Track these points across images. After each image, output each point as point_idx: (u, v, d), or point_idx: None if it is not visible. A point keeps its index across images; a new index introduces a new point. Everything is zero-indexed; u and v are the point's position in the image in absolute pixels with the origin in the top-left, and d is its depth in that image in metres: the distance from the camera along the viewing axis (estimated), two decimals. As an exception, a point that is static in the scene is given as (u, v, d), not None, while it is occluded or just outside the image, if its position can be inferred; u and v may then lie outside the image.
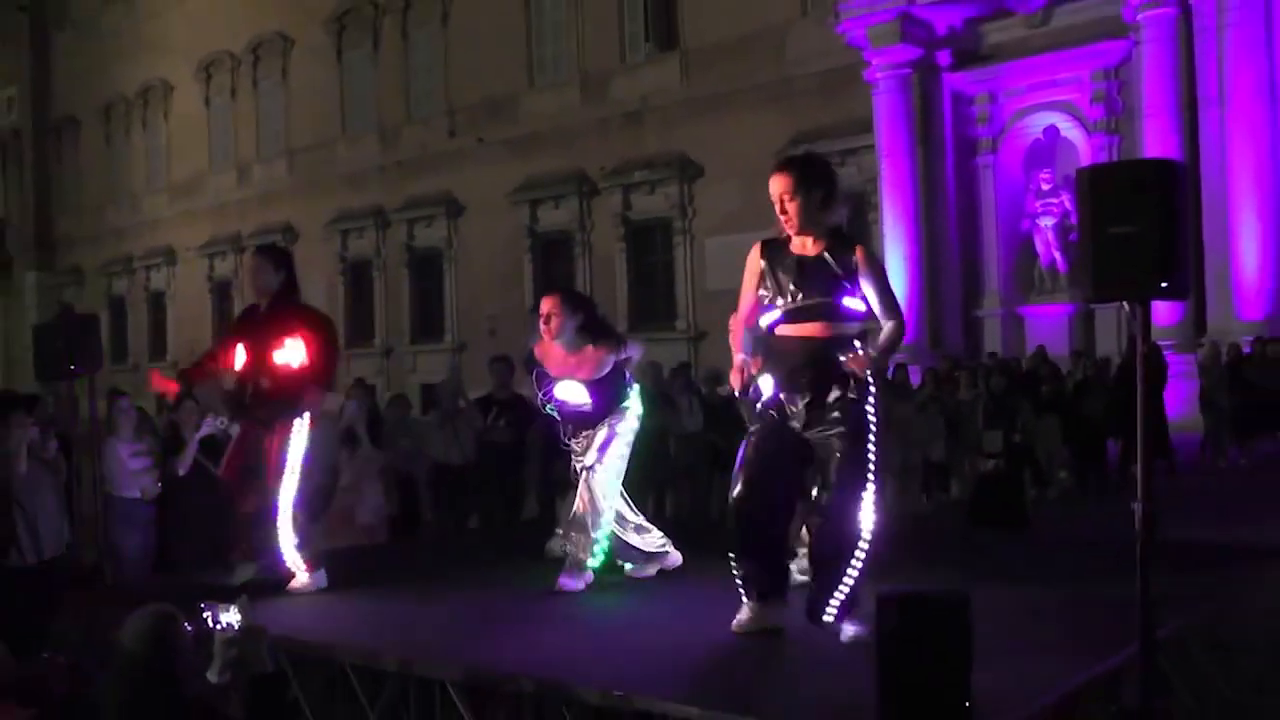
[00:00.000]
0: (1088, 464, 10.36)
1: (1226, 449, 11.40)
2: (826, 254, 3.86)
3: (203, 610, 2.93)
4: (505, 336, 17.32)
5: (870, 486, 3.85)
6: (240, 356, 5.18)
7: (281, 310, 5.19)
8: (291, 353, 5.09)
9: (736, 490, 3.94)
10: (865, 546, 3.82)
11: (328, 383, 5.29)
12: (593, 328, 5.10)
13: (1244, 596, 4.68)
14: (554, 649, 4.01)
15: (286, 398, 5.09)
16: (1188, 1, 13.95)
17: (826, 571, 3.87)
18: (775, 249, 3.95)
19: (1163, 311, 12.59)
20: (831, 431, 3.84)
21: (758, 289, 3.98)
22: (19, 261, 32.15)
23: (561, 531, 5.29)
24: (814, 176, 3.90)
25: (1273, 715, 4.20)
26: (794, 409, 3.90)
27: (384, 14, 23.02)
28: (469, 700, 3.67)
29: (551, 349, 5.09)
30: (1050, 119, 15.56)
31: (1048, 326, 15.33)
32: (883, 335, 3.92)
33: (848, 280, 3.84)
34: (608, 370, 5.06)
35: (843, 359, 3.85)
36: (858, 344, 3.91)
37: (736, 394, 5.02)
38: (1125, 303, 3.58)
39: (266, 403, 5.12)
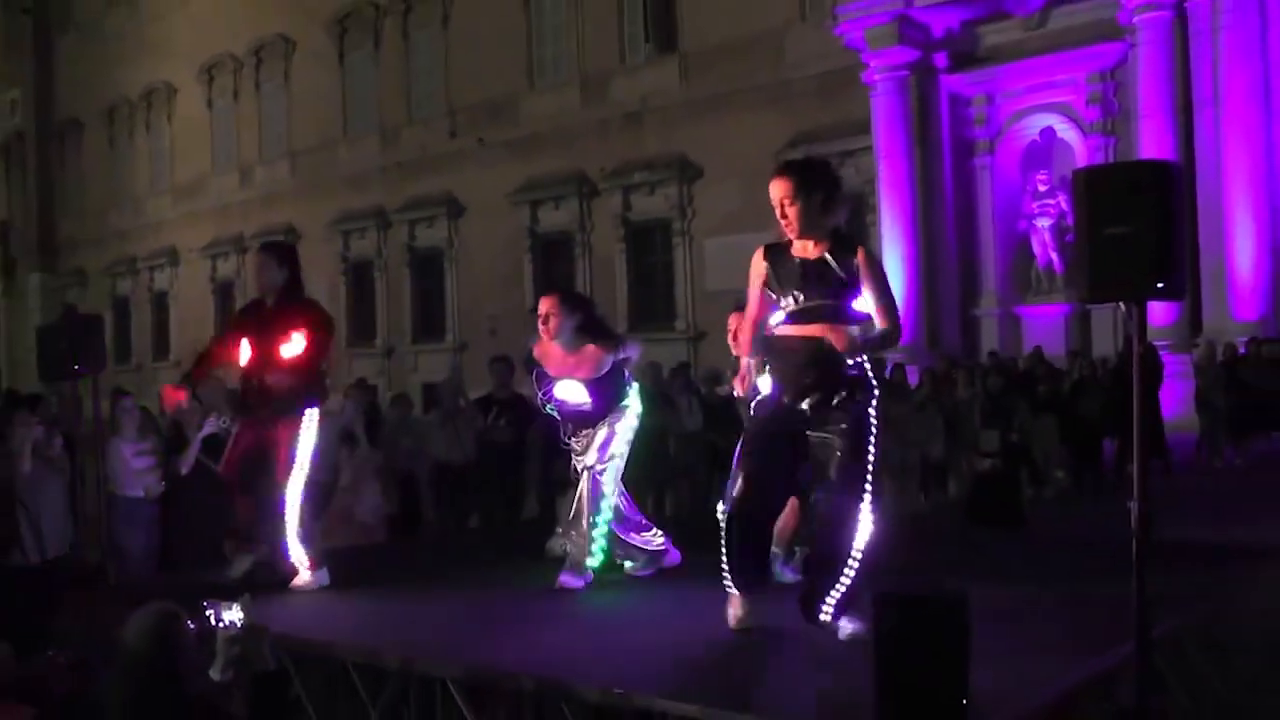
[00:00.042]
0: (1084, 463, 10.29)
1: (1222, 449, 11.36)
2: (828, 256, 3.85)
3: (205, 608, 2.94)
4: (506, 336, 17.37)
5: (869, 487, 3.86)
6: (245, 352, 5.17)
7: (288, 306, 5.19)
8: (298, 348, 5.09)
9: (737, 489, 3.94)
10: (863, 546, 3.84)
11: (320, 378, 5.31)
12: (591, 327, 5.13)
13: (1239, 596, 4.70)
14: (554, 647, 4.03)
15: (294, 392, 5.09)
16: (1183, 5, 13.99)
17: (825, 570, 3.88)
18: (777, 253, 3.95)
19: (1158, 312, 12.62)
20: (832, 432, 3.85)
21: (763, 292, 3.98)
22: (23, 263, 32.21)
23: (562, 530, 5.32)
24: (814, 180, 3.89)
25: (1269, 714, 4.21)
26: (795, 409, 3.89)
27: (385, 16, 23.09)
28: (469, 698, 3.68)
29: (550, 349, 5.11)
30: (1047, 121, 15.60)
31: (1044, 326, 15.37)
32: (874, 330, 3.91)
33: (850, 282, 3.84)
34: (607, 369, 5.08)
35: (850, 362, 3.86)
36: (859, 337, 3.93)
37: (736, 395, 5.06)
38: (1121, 303, 3.59)
39: (273, 397, 5.11)
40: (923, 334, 15.78)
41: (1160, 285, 3.35)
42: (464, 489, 8.74)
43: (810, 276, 3.84)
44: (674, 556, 5.27)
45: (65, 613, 4.57)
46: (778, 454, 3.95)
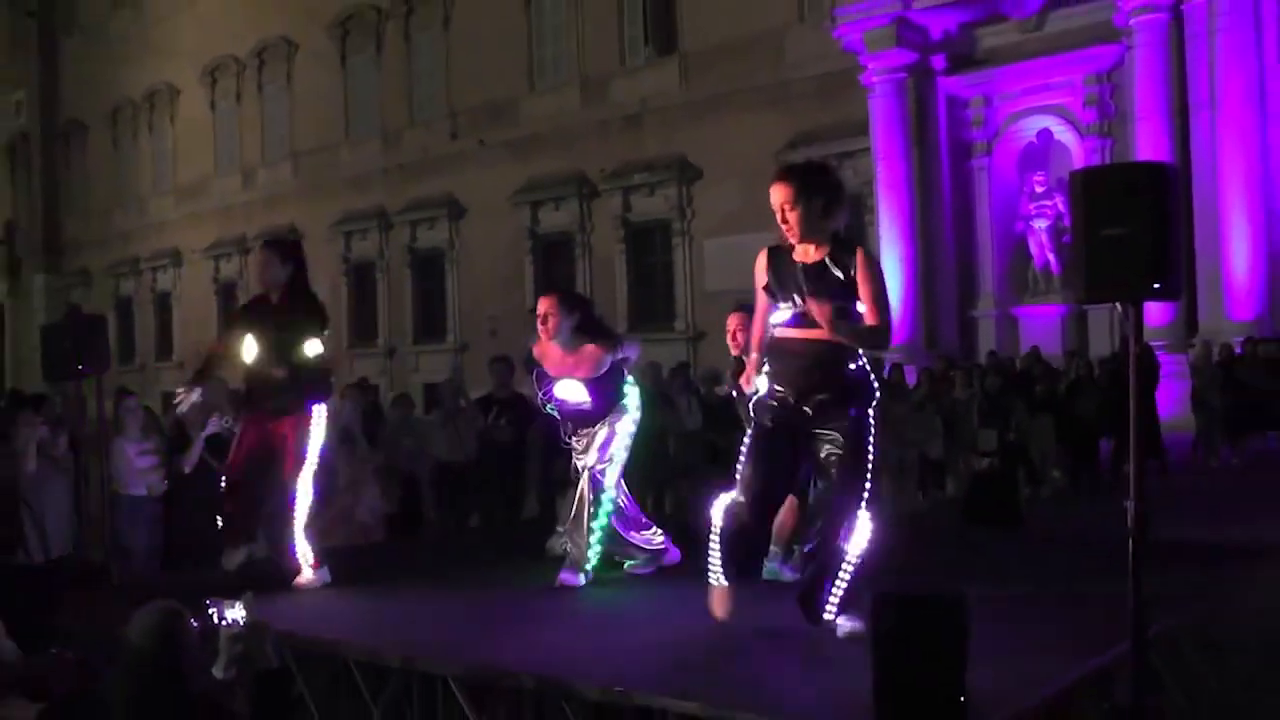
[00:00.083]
0: (1081, 463, 10.35)
1: (1218, 448, 11.40)
2: (828, 260, 3.86)
3: (209, 607, 2.96)
4: (506, 337, 17.44)
5: (868, 487, 3.89)
6: (250, 347, 5.16)
7: (294, 301, 5.20)
8: (306, 343, 5.10)
9: (738, 484, 3.95)
10: (863, 545, 3.87)
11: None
12: (589, 327, 5.15)
13: (1236, 596, 4.70)
14: (554, 645, 4.05)
15: (301, 387, 5.10)
16: (1179, 7, 14.04)
17: (825, 570, 3.91)
18: (779, 256, 3.96)
19: (1155, 312, 12.63)
20: (833, 433, 3.88)
21: (765, 294, 3.99)
22: (27, 263, 32.25)
23: (562, 529, 5.35)
24: (814, 185, 3.88)
25: (1265, 713, 4.21)
26: (797, 410, 3.90)
27: (387, 19, 23.15)
28: (471, 696, 3.69)
29: (550, 349, 5.14)
30: (1044, 122, 15.66)
31: (1041, 327, 15.41)
32: (863, 325, 3.88)
33: (849, 285, 3.84)
34: (606, 369, 5.11)
35: (851, 366, 3.88)
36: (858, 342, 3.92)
37: (735, 394, 5.09)
38: (1118, 303, 3.61)
39: (281, 392, 5.11)
40: (920, 334, 15.85)
41: (1156, 286, 3.36)
42: (465, 488, 8.79)
43: (811, 280, 3.85)
44: (674, 555, 5.30)
45: (69, 611, 4.62)
46: (779, 453, 3.95)
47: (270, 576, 5.07)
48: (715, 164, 18.33)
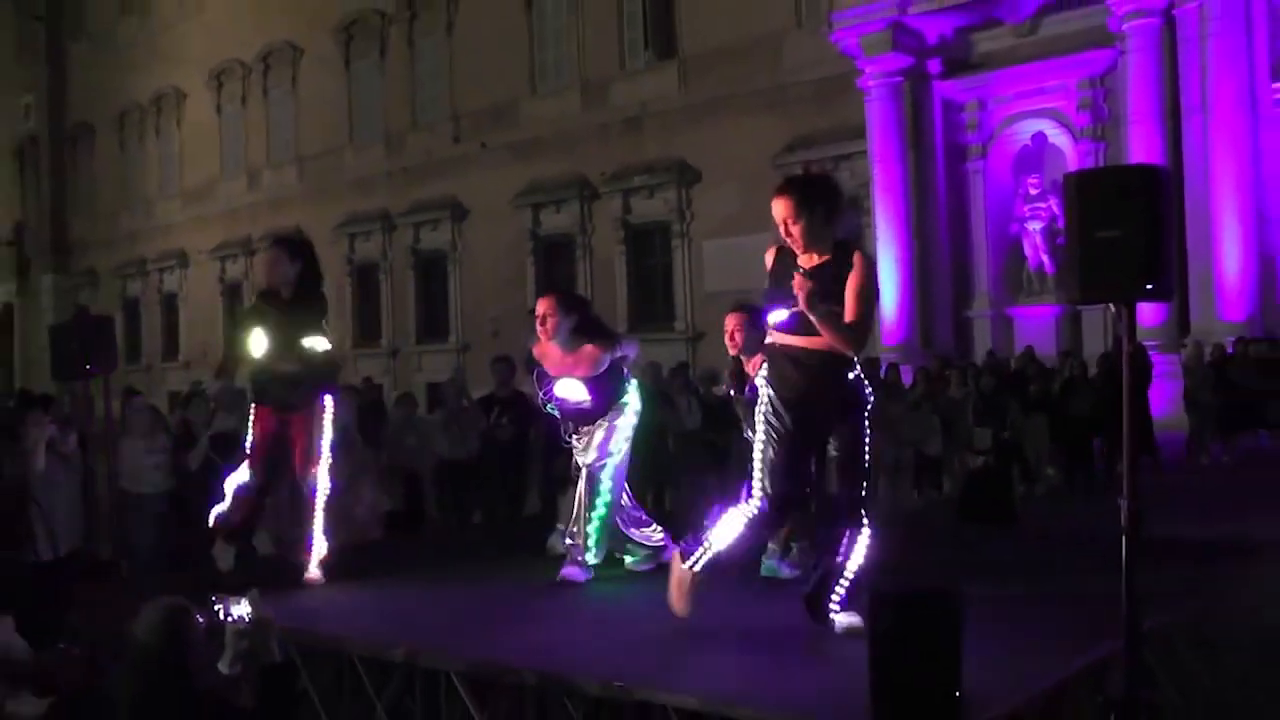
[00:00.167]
0: (1075, 462, 10.32)
1: (1210, 447, 11.42)
2: (830, 264, 3.90)
3: (214, 603, 2.97)
4: (508, 337, 17.46)
5: (866, 489, 4.01)
6: (260, 342, 5.16)
7: (303, 297, 5.23)
8: (316, 338, 5.15)
9: (771, 490, 3.90)
10: (864, 546, 3.95)
11: None
12: (588, 327, 5.21)
13: (1229, 593, 4.75)
14: (556, 642, 4.08)
15: (312, 383, 5.14)
16: (1171, 12, 14.15)
17: (831, 574, 3.98)
18: (786, 256, 4.00)
19: (1147, 313, 12.69)
20: (832, 438, 3.96)
21: (770, 290, 4.03)
22: (36, 264, 32.40)
23: (563, 527, 5.41)
24: (814, 196, 3.92)
25: (1258, 711, 4.23)
26: (796, 414, 3.93)
27: (390, 24, 23.27)
28: (473, 691, 3.72)
29: (549, 349, 5.19)
30: (1038, 126, 15.75)
31: (1036, 327, 15.50)
32: (841, 319, 3.86)
33: (844, 287, 3.86)
34: (605, 368, 5.17)
35: (849, 375, 3.94)
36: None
37: (733, 394, 5.21)
38: (1111, 304, 3.63)
39: (292, 388, 5.13)
40: (916, 334, 15.96)
41: (1149, 287, 3.39)
42: (467, 486, 8.85)
43: (807, 276, 3.88)
44: (673, 552, 5.37)
45: (77, 608, 4.68)
46: (805, 455, 3.99)
47: (275, 573, 5.13)
48: (714, 167, 18.42)
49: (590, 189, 20.25)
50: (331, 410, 5.25)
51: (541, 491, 8.71)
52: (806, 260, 3.93)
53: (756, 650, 3.89)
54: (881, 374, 10.28)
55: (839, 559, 3.97)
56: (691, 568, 4.05)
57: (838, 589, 3.97)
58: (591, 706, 3.52)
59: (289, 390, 5.16)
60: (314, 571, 5.22)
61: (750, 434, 4.33)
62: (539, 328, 5.16)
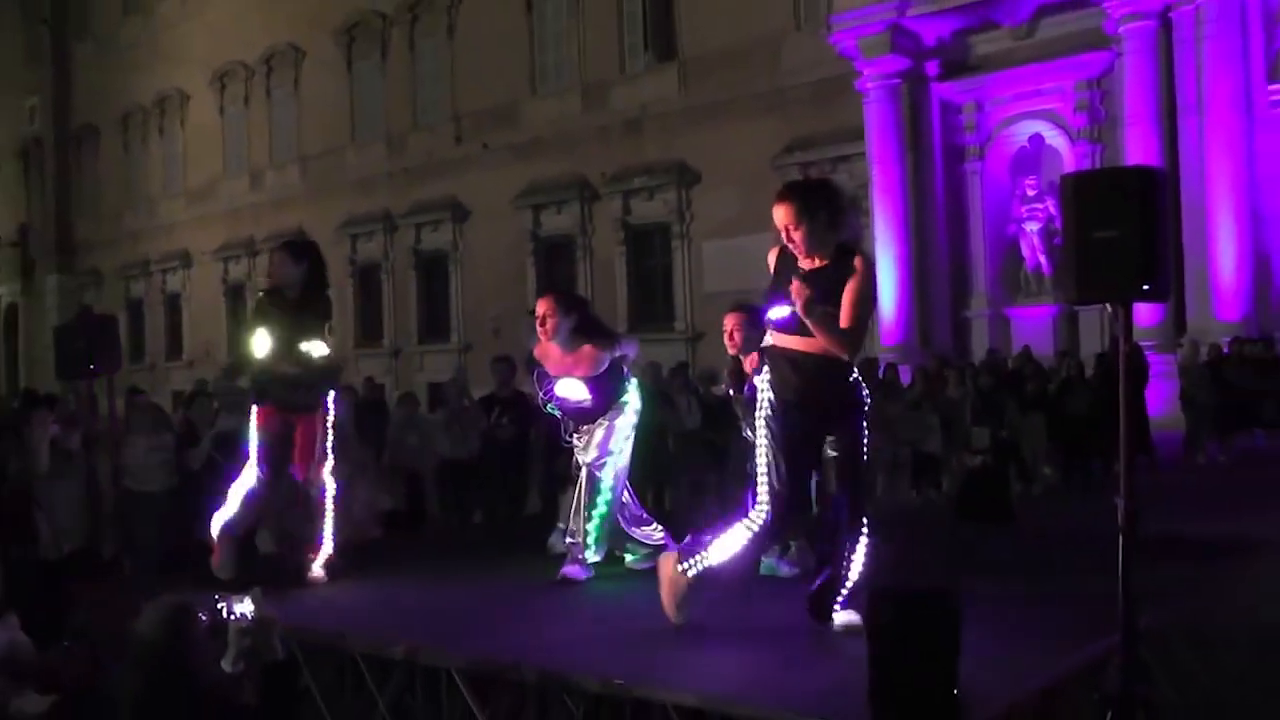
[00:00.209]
0: (1072, 460, 10.35)
1: (1206, 446, 11.43)
2: (831, 268, 3.93)
3: (217, 601, 3.01)
4: (509, 337, 17.49)
5: (865, 490, 4.11)
6: (263, 342, 5.18)
7: (311, 300, 5.27)
8: (314, 342, 5.17)
9: (779, 494, 3.92)
10: (864, 548, 4.00)
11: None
12: (587, 327, 5.25)
13: (1225, 592, 4.78)
14: (556, 639, 4.11)
15: (315, 383, 5.19)
16: (1167, 15, 14.20)
17: (831, 571, 4.02)
18: (788, 256, 4.03)
19: (1144, 313, 12.79)
20: (831, 437, 4.00)
21: (771, 289, 4.05)
22: (41, 264, 32.48)
23: (563, 526, 5.46)
24: (815, 202, 3.93)
25: (1255, 709, 4.24)
26: (795, 416, 3.96)
27: (392, 26, 23.36)
28: (474, 689, 3.76)
29: (549, 349, 5.24)
30: (1035, 127, 15.80)
31: (1033, 327, 15.54)
32: (836, 322, 3.89)
33: (842, 290, 3.89)
34: (605, 367, 5.21)
35: (849, 380, 3.98)
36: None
37: (731, 394, 5.28)
38: (1108, 304, 3.64)
39: (297, 390, 5.18)
40: (915, 334, 16.01)
41: (1145, 287, 3.41)
42: (468, 485, 8.89)
43: (814, 286, 3.90)
44: (673, 550, 5.50)
45: (81, 606, 4.75)
46: (809, 458, 4.03)
47: (276, 571, 5.18)
48: (714, 168, 18.48)
49: (590, 190, 20.32)
50: (333, 405, 5.33)
51: (542, 491, 8.75)
52: (808, 263, 3.96)
53: (756, 648, 3.92)
54: (880, 373, 10.34)
55: (843, 569, 4.02)
56: (685, 572, 4.07)
57: (841, 590, 4.03)
58: (591, 704, 3.54)
59: (292, 391, 5.20)
60: (317, 570, 5.28)
61: (749, 433, 4.38)
62: (539, 328, 5.20)
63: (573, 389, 5.24)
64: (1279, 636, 4.66)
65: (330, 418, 5.30)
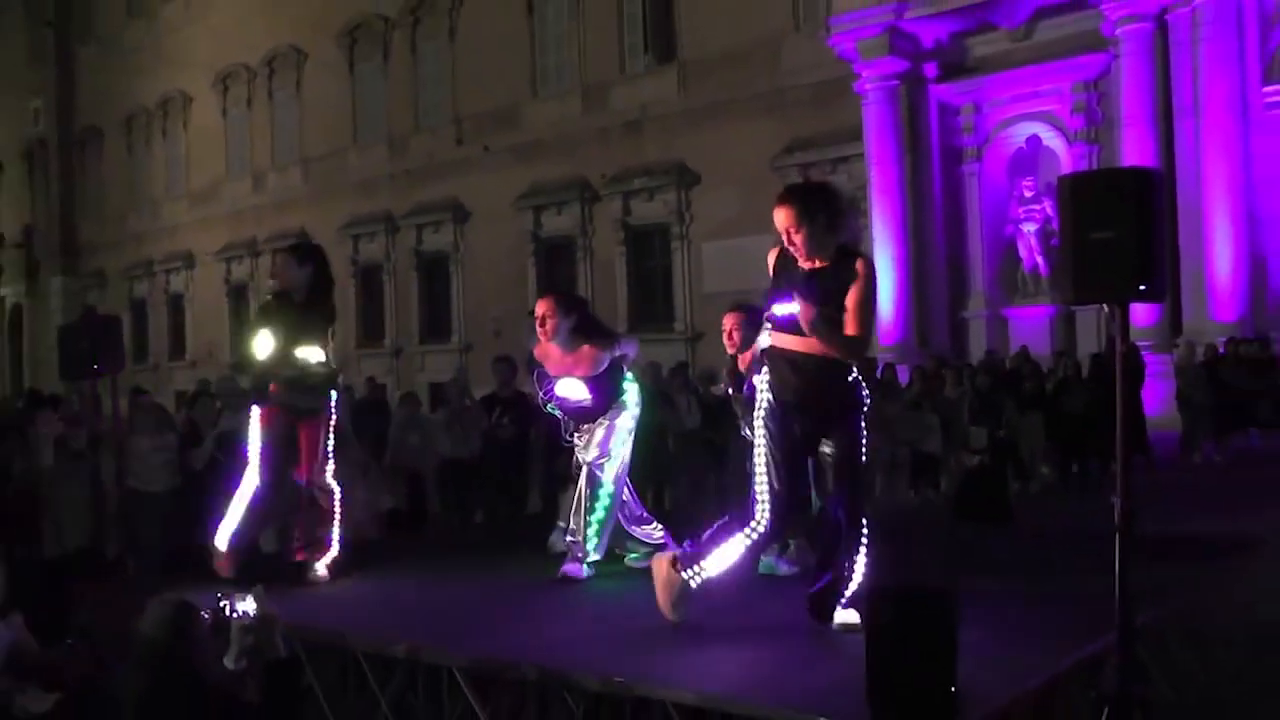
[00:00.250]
0: (1069, 460, 10.41)
1: (1203, 446, 11.47)
2: (831, 269, 3.95)
3: (220, 599, 3.03)
4: (510, 337, 17.56)
5: (864, 491, 4.14)
6: (265, 344, 5.20)
7: (316, 303, 5.31)
8: (312, 348, 5.21)
9: (778, 496, 3.96)
10: (864, 549, 4.04)
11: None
12: (586, 327, 5.30)
13: (1221, 590, 4.80)
14: (556, 638, 4.14)
15: (318, 386, 5.22)
16: (1164, 17, 14.25)
17: (833, 575, 4.05)
18: (787, 258, 4.06)
19: (1140, 313, 12.84)
20: (831, 440, 4.03)
21: (771, 289, 4.08)
22: (45, 266, 32.58)
23: (564, 525, 5.51)
24: (815, 205, 3.96)
25: (1250, 707, 4.26)
26: (795, 416, 3.99)
27: (394, 28, 23.43)
28: (475, 687, 3.78)
29: (549, 349, 5.28)
30: (1033, 129, 15.85)
31: (1030, 327, 15.59)
32: (840, 330, 3.91)
33: (844, 293, 3.91)
34: (604, 367, 5.25)
35: (848, 380, 4.00)
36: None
37: (730, 393, 5.34)
38: (1105, 305, 3.66)
39: (303, 393, 5.22)
40: (913, 334, 16.06)
41: (1142, 288, 3.42)
42: (469, 485, 8.94)
43: (814, 287, 3.94)
44: (672, 549, 5.48)
45: (84, 604, 4.76)
46: (804, 460, 4.06)
47: (278, 570, 5.22)
48: (713, 169, 18.53)
49: (591, 191, 20.37)
50: (334, 414, 5.38)
51: (543, 490, 8.80)
52: (809, 264, 3.98)
53: (755, 646, 3.96)
54: (879, 373, 10.38)
55: (845, 572, 4.06)
56: (680, 572, 4.11)
57: (844, 590, 4.07)
58: (592, 702, 3.57)
59: (293, 393, 5.24)
60: (320, 570, 5.34)
61: (748, 432, 4.41)
62: (539, 329, 5.24)
63: (573, 389, 5.28)
64: (1275, 635, 4.72)
65: (333, 421, 5.36)
